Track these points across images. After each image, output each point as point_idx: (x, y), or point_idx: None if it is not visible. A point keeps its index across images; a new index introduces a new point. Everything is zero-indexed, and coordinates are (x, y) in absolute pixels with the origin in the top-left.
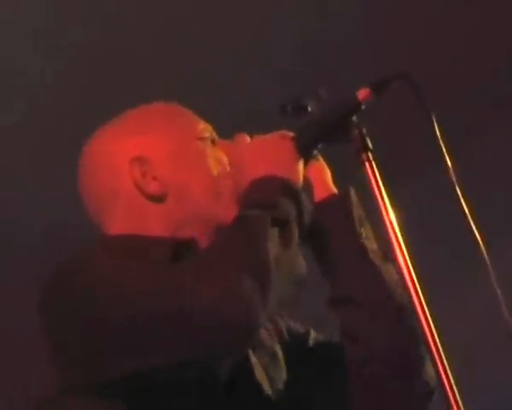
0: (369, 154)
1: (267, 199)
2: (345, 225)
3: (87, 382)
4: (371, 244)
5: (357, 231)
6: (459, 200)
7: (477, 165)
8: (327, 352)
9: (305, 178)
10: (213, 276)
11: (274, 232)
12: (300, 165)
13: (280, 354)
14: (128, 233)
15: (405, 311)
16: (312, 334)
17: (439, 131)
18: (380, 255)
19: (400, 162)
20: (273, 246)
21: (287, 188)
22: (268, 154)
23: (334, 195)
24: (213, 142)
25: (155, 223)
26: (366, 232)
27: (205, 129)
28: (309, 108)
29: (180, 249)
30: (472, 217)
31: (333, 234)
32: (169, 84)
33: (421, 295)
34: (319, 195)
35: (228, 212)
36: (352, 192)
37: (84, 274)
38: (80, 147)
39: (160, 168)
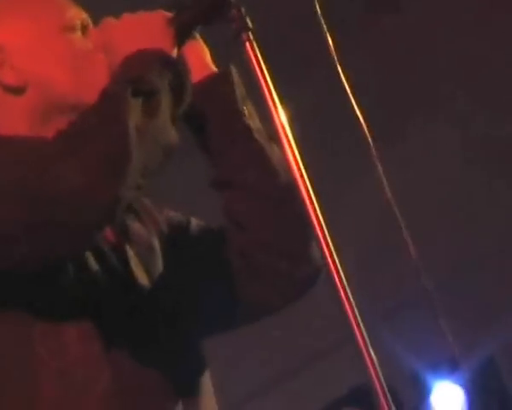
0: (249, 34)
1: (132, 72)
2: (226, 104)
3: None
4: (255, 123)
5: (239, 110)
6: (346, 91)
7: (368, 53)
8: (208, 240)
9: (183, 59)
10: (72, 151)
11: (136, 103)
12: (172, 39)
13: (157, 246)
14: None
15: (291, 192)
16: (193, 223)
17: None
18: (265, 135)
19: (289, 55)
20: (134, 116)
21: (155, 59)
22: (138, 31)
23: (213, 73)
24: (86, 30)
25: (17, 117)
26: (249, 111)
27: (75, 16)
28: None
29: None
30: (359, 109)
31: (214, 114)
32: None
33: (309, 187)
34: (199, 75)
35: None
36: (233, 70)
37: None
38: None
39: (20, 57)
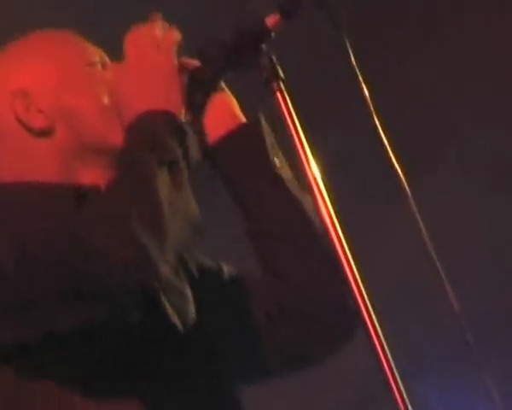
0: (281, 83)
1: (152, 138)
2: (257, 154)
3: None
4: (287, 173)
5: (270, 160)
6: (378, 131)
7: (400, 96)
8: (240, 287)
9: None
10: (108, 228)
11: (163, 175)
12: (178, 87)
13: (189, 293)
14: (19, 181)
15: (325, 240)
16: (224, 269)
17: (357, 61)
18: (296, 184)
19: (318, 97)
20: (164, 189)
21: (170, 123)
22: (147, 78)
23: (243, 124)
24: (105, 66)
25: (46, 161)
26: (280, 161)
27: (94, 53)
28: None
29: (82, 196)
30: (392, 150)
31: (244, 165)
32: None
33: (341, 236)
34: (227, 126)
35: (120, 138)
36: (263, 119)
37: None
38: None
39: (45, 99)
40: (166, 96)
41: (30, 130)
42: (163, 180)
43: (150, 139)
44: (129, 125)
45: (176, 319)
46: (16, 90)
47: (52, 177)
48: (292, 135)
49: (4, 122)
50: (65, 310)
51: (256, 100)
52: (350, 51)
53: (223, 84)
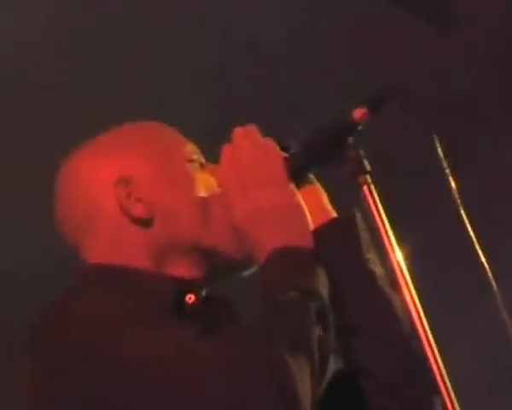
0: (367, 176)
1: (302, 281)
2: (351, 251)
3: None
4: (379, 270)
5: (364, 257)
6: (465, 225)
7: (485, 186)
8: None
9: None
10: (270, 381)
11: (317, 328)
12: (292, 188)
13: None
14: (116, 264)
15: (416, 339)
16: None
17: (444, 152)
18: (388, 282)
19: (404, 188)
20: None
21: (312, 266)
22: (256, 179)
23: (336, 218)
24: (202, 165)
25: (139, 249)
26: (372, 257)
27: (193, 151)
28: (291, 150)
29: (183, 290)
30: (479, 243)
31: (338, 260)
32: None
33: (427, 330)
34: (318, 219)
35: (215, 240)
36: (358, 215)
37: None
38: None
39: (146, 189)
40: (298, 227)
41: (129, 217)
42: (316, 333)
43: (300, 280)
44: (266, 261)
45: None
46: (120, 177)
47: (139, 265)
48: (379, 228)
49: (105, 206)
50: None
51: (342, 192)
52: (437, 145)
53: (312, 177)
